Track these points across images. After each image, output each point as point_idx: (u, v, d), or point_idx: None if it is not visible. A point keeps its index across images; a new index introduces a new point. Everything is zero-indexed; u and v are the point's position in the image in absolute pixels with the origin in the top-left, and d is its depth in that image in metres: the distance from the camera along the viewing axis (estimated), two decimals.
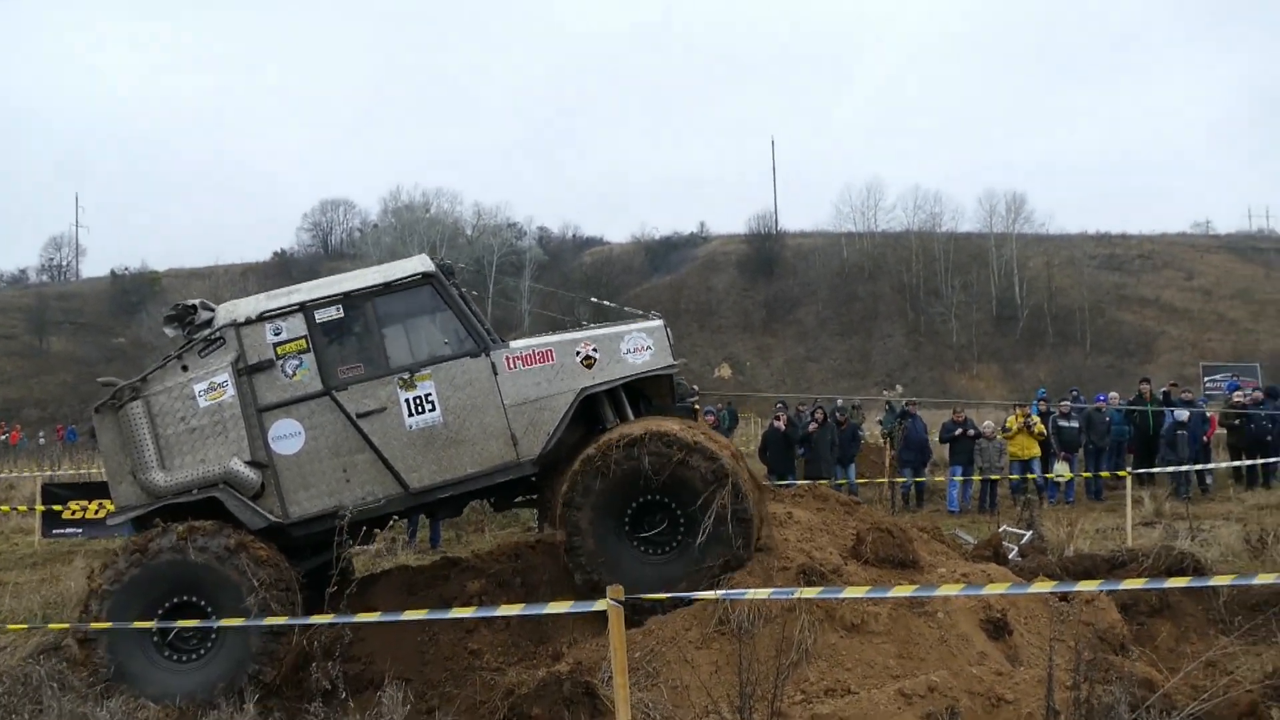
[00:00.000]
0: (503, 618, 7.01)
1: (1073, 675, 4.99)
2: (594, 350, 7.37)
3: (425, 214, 73.67)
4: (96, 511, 15.87)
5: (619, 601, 4.67)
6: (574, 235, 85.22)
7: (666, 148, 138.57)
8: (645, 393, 7.95)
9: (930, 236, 73.38)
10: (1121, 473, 12.25)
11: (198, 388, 7.00)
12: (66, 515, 15.98)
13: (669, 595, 5.43)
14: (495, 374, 7.18)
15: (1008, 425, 17.78)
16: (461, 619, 7.00)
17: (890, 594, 5.11)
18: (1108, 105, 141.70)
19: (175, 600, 6.67)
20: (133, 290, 69.60)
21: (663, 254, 79.71)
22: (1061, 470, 17.31)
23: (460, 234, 72.18)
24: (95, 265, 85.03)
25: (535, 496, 8.32)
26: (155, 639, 6.61)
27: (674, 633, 6.21)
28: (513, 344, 7.39)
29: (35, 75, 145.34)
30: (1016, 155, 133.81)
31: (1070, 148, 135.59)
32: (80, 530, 15.98)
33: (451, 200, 76.67)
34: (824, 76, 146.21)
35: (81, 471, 23.46)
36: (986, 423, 18.08)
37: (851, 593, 5.00)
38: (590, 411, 7.52)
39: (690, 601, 6.00)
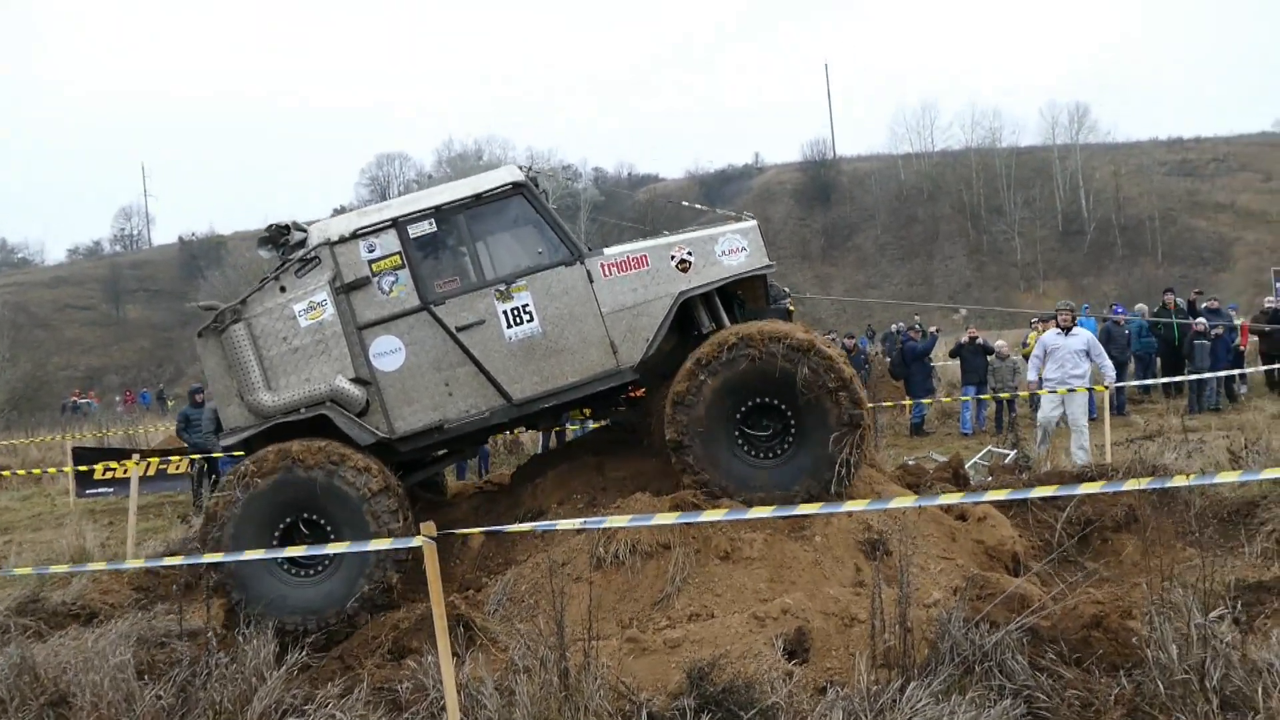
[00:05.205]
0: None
1: (898, 592, 4.99)
2: (689, 254, 7.27)
3: (478, 162, 73.94)
4: (125, 472, 16.63)
5: (432, 538, 4.79)
6: (629, 174, 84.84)
7: (719, 80, 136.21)
8: (740, 295, 7.89)
9: (990, 153, 71.06)
10: (1099, 387, 11.89)
11: (297, 308, 7.07)
12: (98, 476, 16.71)
13: (483, 530, 5.55)
14: (591, 282, 7.16)
15: (1027, 341, 17.35)
16: None
17: (701, 517, 5.14)
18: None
19: (292, 518, 6.84)
20: (201, 255, 71.44)
21: (718, 187, 78.78)
22: None
23: None
24: (165, 233, 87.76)
25: (632, 400, 8.39)
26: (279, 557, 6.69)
27: (555, 567, 6.32)
28: (606, 251, 7.32)
29: (93, 52, 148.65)
30: (1079, 63, 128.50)
31: (1136, 50, 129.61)
32: (112, 490, 16.72)
33: (504, 147, 76.81)
34: None
35: (132, 433, 24.57)
36: (999, 341, 17.73)
37: (663, 519, 5.04)
38: (686, 316, 7.49)
39: (507, 532, 6.10)
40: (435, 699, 5.08)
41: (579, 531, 6.46)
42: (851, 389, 6.71)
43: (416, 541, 4.85)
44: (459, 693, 4.93)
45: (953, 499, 5.24)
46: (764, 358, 6.69)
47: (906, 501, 5.13)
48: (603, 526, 5.78)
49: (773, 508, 5.53)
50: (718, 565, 6.12)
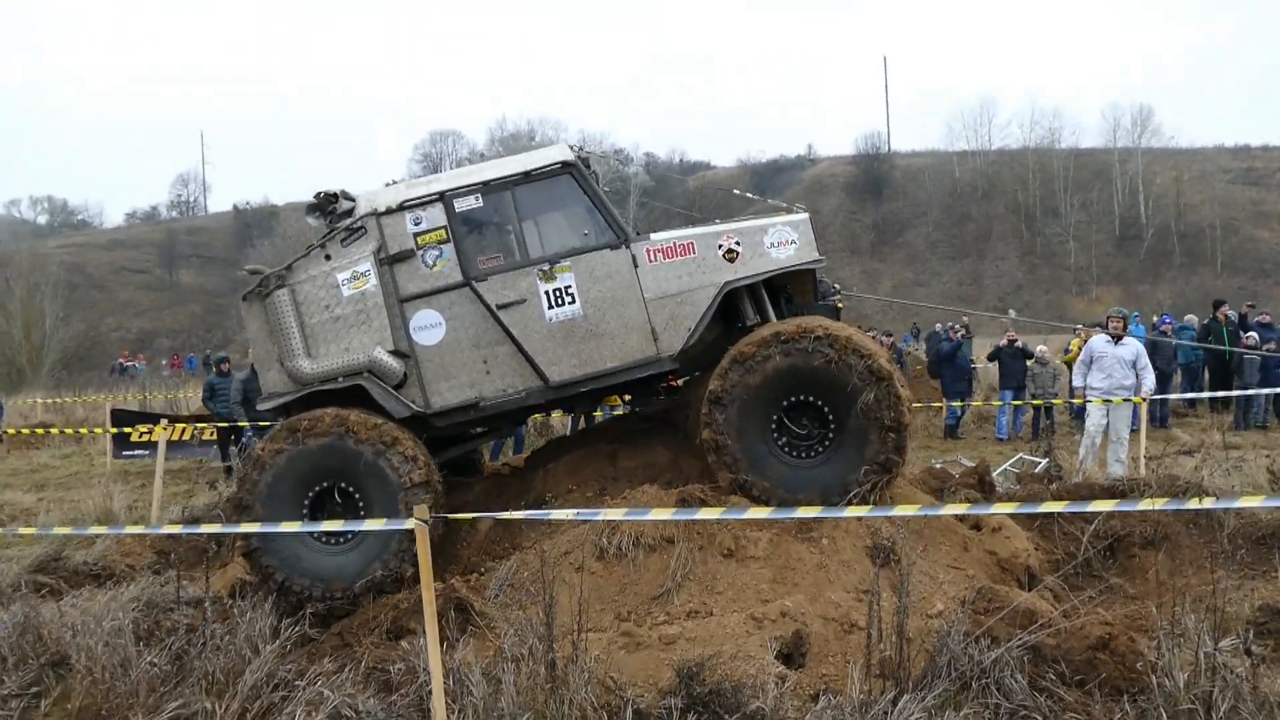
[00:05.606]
0: None
1: (898, 602, 4.86)
2: (737, 243, 7.12)
3: (530, 143, 74.13)
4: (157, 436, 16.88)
5: (425, 521, 4.75)
6: (680, 160, 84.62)
7: (775, 69, 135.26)
8: (787, 289, 7.72)
9: (1048, 153, 69.87)
10: (1137, 399, 11.57)
11: (341, 276, 7.04)
12: (135, 438, 16.96)
13: (474, 516, 5.49)
14: (635, 266, 7.04)
15: (1070, 348, 16.98)
16: None
17: (698, 515, 5.05)
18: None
19: (329, 484, 6.84)
20: (254, 224, 72.36)
21: (769, 177, 78.29)
22: None
23: None
24: (220, 201, 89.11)
25: (670, 389, 8.33)
26: (306, 517, 6.77)
27: (558, 556, 6.26)
28: (653, 236, 7.17)
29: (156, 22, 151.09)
30: (1144, 65, 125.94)
31: (1203, 54, 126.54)
32: (147, 452, 16.90)
33: (555, 128, 76.99)
34: None
35: (173, 398, 24.98)
36: (1040, 346, 17.37)
37: (659, 514, 4.96)
38: (731, 307, 7.34)
39: (499, 520, 6.04)
40: (424, 682, 5.05)
41: (583, 520, 6.40)
42: (902, 436, 6.55)
43: (409, 524, 4.82)
44: (448, 678, 4.90)
45: (958, 510, 5.12)
46: (840, 365, 6.53)
47: (909, 510, 5.00)
48: (598, 519, 5.69)
49: (771, 509, 5.42)
50: (720, 563, 6.02)
